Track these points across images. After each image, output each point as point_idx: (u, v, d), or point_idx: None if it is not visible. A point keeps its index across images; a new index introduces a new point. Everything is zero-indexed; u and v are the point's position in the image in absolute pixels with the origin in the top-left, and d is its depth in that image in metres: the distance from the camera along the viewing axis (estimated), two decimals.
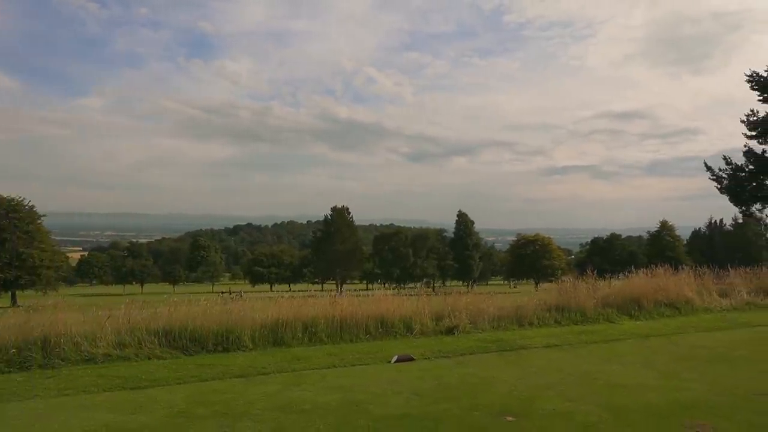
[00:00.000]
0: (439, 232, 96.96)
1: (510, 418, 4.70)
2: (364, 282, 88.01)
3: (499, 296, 12.36)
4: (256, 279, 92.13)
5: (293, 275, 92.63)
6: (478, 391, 5.56)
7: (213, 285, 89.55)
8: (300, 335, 7.98)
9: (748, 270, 13.94)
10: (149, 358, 6.96)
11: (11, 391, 5.66)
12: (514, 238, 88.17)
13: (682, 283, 11.91)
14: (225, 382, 5.95)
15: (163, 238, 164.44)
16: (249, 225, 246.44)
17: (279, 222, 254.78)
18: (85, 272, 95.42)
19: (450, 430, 4.43)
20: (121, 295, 49.66)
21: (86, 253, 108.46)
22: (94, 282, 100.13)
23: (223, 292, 34.49)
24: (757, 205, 49.17)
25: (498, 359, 7.18)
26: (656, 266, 12.67)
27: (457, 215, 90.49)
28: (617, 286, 11.88)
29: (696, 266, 13.37)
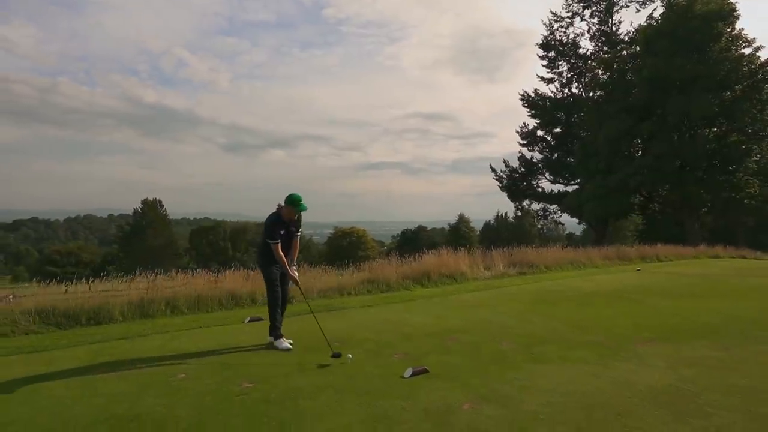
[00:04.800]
0: (259, 226, 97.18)
1: (337, 344, 7.08)
2: None
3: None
4: (47, 280, 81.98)
5: (94, 274, 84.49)
6: (314, 335, 7.84)
7: None
8: (163, 308, 9.41)
9: (505, 250, 18.58)
10: (26, 334, 7.83)
11: None
12: (332, 231, 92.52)
13: (459, 260, 15.74)
14: (111, 343, 7.25)
15: None
16: (34, 219, 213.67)
17: (73, 216, 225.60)
18: None
19: (302, 353, 6.64)
20: None
21: None
22: None
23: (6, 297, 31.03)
24: (527, 201, 59.85)
25: (327, 316, 9.51)
26: (443, 249, 16.55)
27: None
28: (414, 264, 15.16)
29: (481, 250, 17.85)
